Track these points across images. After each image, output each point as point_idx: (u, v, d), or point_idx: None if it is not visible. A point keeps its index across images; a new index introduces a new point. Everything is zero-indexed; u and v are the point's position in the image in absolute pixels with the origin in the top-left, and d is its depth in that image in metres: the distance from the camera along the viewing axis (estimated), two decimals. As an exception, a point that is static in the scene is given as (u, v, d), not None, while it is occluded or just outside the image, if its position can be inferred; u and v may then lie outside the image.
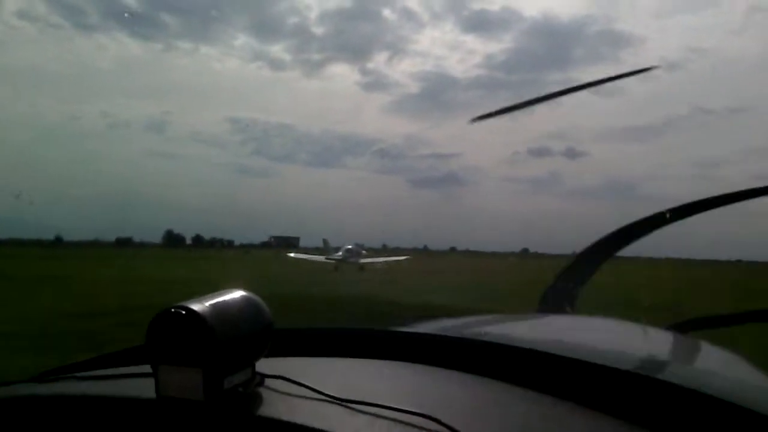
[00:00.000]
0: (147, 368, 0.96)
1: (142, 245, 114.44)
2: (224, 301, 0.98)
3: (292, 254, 54.03)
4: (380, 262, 49.44)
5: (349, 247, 52.29)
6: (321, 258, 50.91)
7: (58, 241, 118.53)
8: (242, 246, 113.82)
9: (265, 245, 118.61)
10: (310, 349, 1.41)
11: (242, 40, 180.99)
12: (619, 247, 3.01)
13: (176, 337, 0.91)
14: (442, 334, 1.57)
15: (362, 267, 46.22)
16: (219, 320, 0.92)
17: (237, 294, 1.02)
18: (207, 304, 0.94)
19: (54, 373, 1.35)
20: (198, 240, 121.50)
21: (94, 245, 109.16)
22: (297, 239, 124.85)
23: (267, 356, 1.05)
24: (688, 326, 2.75)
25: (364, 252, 53.28)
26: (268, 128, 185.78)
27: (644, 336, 2.15)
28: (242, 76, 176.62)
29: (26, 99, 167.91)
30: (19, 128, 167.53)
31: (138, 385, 1.05)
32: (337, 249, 52.94)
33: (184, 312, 0.91)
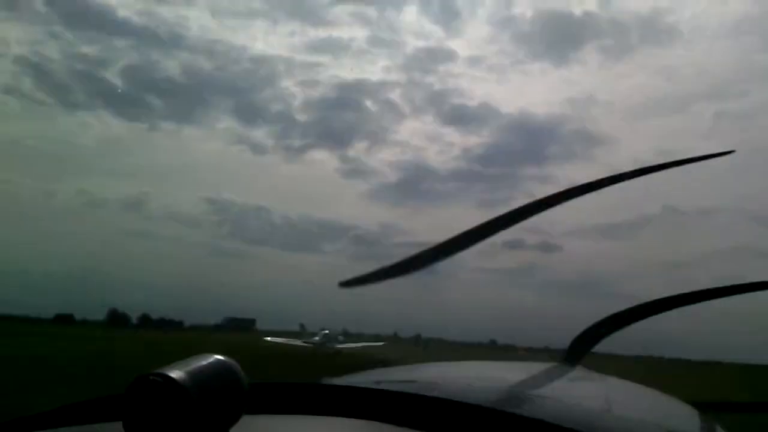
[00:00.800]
0: (118, 426, 0.95)
1: (84, 323, 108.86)
2: (201, 367, 0.97)
3: (268, 338, 53.03)
4: (357, 347, 49.27)
5: (326, 332, 51.88)
6: (298, 342, 50.26)
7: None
8: (192, 327, 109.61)
9: (218, 327, 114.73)
10: (283, 406, 1.39)
11: (226, 123, 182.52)
12: (639, 317, 2.96)
13: (153, 405, 0.90)
14: (417, 392, 1.43)
15: (339, 352, 46.03)
16: (197, 388, 0.91)
17: (212, 359, 1.01)
18: (185, 371, 0.93)
19: (12, 426, 1.29)
20: (145, 319, 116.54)
21: (27, 321, 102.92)
22: (253, 321, 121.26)
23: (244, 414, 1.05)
24: (705, 407, 2.55)
25: (340, 338, 52.91)
26: (245, 210, 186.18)
27: (655, 404, 2.06)
28: (223, 158, 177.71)
29: (1, 173, 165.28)
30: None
31: None
32: (313, 334, 52.42)
33: (161, 380, 0.90)
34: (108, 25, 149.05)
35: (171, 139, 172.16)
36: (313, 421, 1.31)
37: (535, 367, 2.41)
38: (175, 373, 0.91)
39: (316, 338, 50.04)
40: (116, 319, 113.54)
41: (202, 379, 0.93)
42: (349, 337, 57.19)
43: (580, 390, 2.10)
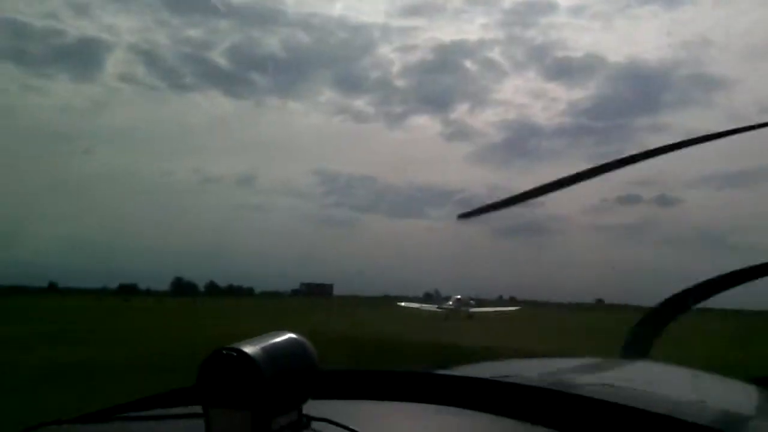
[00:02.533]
0: (195, 409, 0.97)
1: (148, 293, 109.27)
2: (274, 344, 0.99)
3: (402, 303, 53.84)
4: (489, 312, 49.83)
5: (458, 297, 52.48)
6: (432, 307, 50.87)
7: (51, 287, 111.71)
8: (264, 294, 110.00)
9: (295, 293, 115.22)
10: (355, 391, 1.41)
11: (327, 95, 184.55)
12: (703, 298, 2.88)
13: (227, 379, 0.92)
14: (492, 378, 1.49)
15: (471, 316, 46.72)
16: (269, 363, 0.93)
17: (285, 336, 1.03)
18: (258, 346, 0.95)
19: (98, 415, 1.34)
20: (212, 287, 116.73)
21: (96, 293, 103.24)
22: (330, 286, 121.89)
23: (313, 398, 1.05)
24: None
25: (472, 302, 53.54)
26: (351, 180, 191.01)
27: (721, 388, 2.02)
28: (327, 129, 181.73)
29: (123, 156, 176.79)
30: (115, 183, 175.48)
31: (187, 426, 1.07)
32: (447, 299, 53.04)
33: (235, 354, 0.92)
34: (209, 7, 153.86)
35: (276, 114, 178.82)
36: (379, 406, 1.36)
37: (608, 363, 2.54)
38: (249, 348, 0.93)
39: (449, 303, 50.56)
40: (181, 287, 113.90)
41: (275, 355, 0.95)
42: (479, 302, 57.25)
43: (667, 382, 2.11)
